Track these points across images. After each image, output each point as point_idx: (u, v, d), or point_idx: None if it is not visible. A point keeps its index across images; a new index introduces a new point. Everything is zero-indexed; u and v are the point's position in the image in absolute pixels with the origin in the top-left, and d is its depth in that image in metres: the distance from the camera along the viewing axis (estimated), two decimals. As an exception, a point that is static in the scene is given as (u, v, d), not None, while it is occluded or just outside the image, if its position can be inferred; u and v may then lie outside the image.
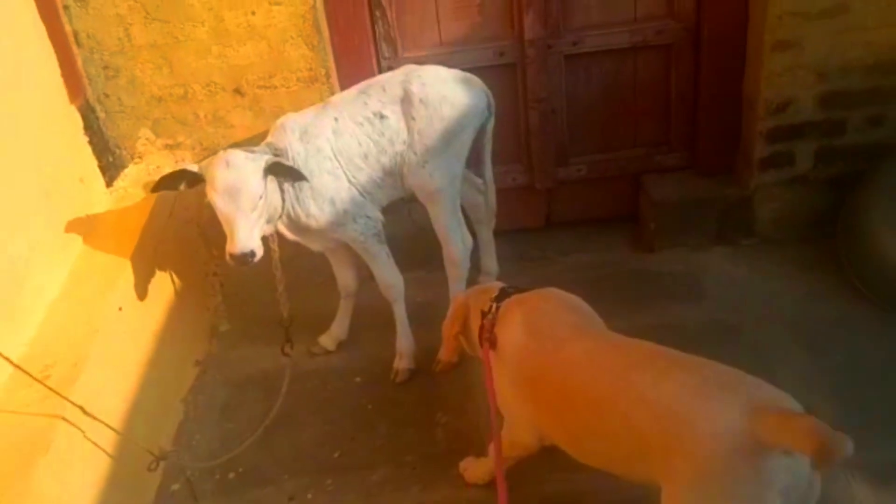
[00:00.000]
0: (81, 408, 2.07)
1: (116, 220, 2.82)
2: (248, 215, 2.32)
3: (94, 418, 2.15)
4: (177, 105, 2.97)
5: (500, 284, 2.29)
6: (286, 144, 2.47)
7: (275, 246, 2.63)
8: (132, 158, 3.04)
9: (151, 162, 3.04)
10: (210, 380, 2.97)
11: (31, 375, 2.05)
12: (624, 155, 3.39)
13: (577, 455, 2.01)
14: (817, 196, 3.23)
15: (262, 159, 2.35)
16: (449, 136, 2.64)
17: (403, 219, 3.23)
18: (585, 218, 3.56)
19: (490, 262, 3.16)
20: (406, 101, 2.60)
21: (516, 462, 2.20)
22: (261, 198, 2.33)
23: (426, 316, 3.03)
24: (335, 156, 2.53)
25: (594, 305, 3.06)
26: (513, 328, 2.07)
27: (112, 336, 2.40)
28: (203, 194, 3.06)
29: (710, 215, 3.31)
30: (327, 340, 2.99)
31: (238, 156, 2.33)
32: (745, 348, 2.81)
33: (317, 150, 2.50)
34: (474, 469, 2.43)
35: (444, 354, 2.44)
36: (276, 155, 2.42)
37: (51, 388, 2.04)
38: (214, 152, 3.00)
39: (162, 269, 2.85)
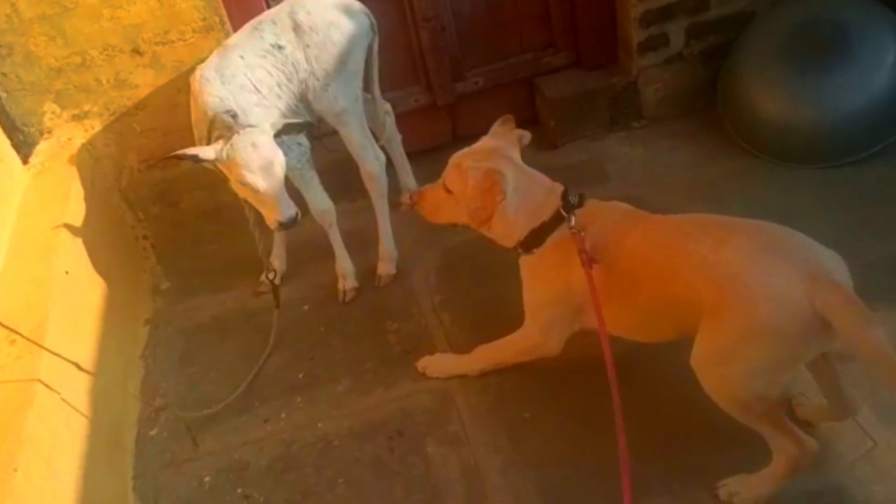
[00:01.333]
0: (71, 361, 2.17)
1: (41, 194, 2.85)
2: (283, 183, 2.48)
3: (77, 367, 2.27)
4: (77, 74, 2.98)
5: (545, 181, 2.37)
6: (220, 96, 2.52)
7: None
8: (41, 134, 3.04)
9: (62, 135, 3.06)
10: (163, 334, 3.05)
11: (17, 332, 2.12)
12: (514, 61, 3.58)
13: (620, 329, 2.20)
14: (695, 71, 3.51)
15: (269, 128, 2.46)
16: (343, 59, 2.79)
17: (319, 154, 3.34)
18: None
19: (408, 179, 3.32)
20: (297, 30, 2.72)
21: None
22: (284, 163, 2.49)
23: (357, 241, 3.19)
24: (257, 88, 2.63)
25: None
26: (595, 244, 2.14)
27: (65, 298, 2.47)
28: (116, 160, 3.15)
29: (602, 105, 3.56)
30: (272, 276, 3.10)
31: (255, 134, 2.42)
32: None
33: (240, 88, 2.58)
34: (435, 365, 2.64)
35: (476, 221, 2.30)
36: (228, 112, 2.48)
37: (37, 344, 2.12)
38: (120, 117, 3.09)
39: (94, 236, 2.89)
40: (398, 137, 3.26)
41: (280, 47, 2.70)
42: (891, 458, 2.12)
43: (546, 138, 3.65)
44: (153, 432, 2.66)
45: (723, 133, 3.41)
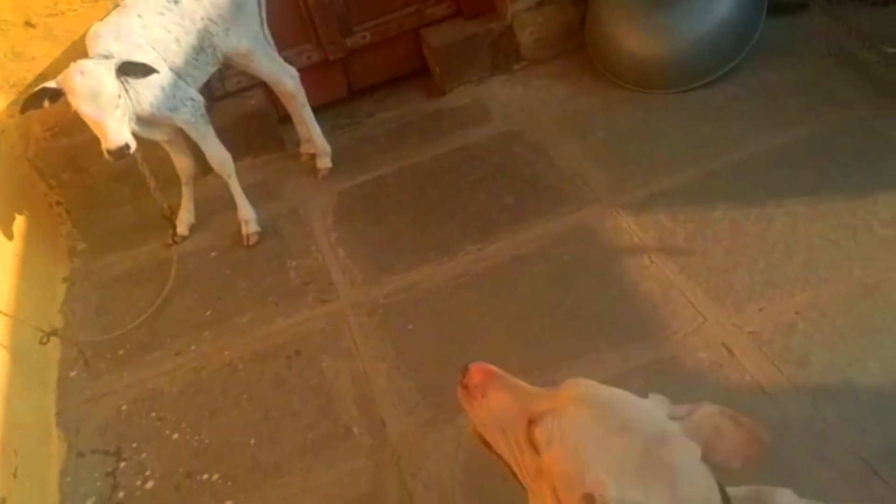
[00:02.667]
0: None
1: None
2: (113, 114, 2.62)
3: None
4: (-26, 50, 3.16)
5: None
6: (108, 49, 2.71)
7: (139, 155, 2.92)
8: (-55, 111, 3.22)
9: (-33, 109, 3.24)
10: (80, 290, 3.26)
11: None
12: (399, 14, 3.81)
13: None
14: (565, 13, 3.78)
15: (112, 62, 2.62)
16: (238, 4, 3.01)
17: (221, 113, 3.55)
18: (382, 80, 3.99)
19: (319, 140, 3.50)
20: None
21: None
22: (119, 97, 2.63)
23: (260, 192, 3.46)
24: (153, 48, 2.82)
25: (402, 151, 3.59)
26: None
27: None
28: (22, 130, 3.33)
29: (484, 50, 3.81)
30: (180, 227, 3.32)
31: (89, 64, 2.60)
32: (527, 145, 3.38)
33: (137, 47, 2.77)
34: None
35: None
36: (105, 56, 2.67)
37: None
38: (23, 89, 3.27)
39: (6, 203, 3.09)
40: (301, 94, 3.40)
41: (176, 2, 2.89)
42: (716, 329, 2.44)
43: (434, 86, 3.90)
44: (73, 373, 2.88)
45: (592, 69, 3.69)
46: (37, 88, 2.65)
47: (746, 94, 3.33)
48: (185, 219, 3.33)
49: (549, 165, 3.26)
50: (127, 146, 2.66)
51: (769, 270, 2.59)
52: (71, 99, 2.61)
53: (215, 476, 2.43)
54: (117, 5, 2.92)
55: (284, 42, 3.57)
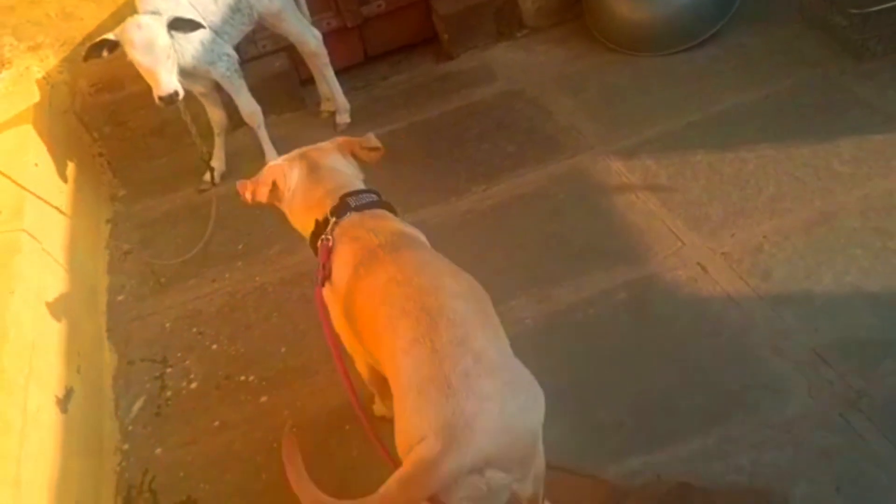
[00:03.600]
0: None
1: (8, 112, 3.36)
2: (165, 63, 2.95)
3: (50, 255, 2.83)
4: (28, 10, 3.48)
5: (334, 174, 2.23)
6: (156, 6, 3.00)
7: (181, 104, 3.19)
8: (3, 65, 3.55)
9: (20, 64, 3.56)
10: (122, 229, 3.60)
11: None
12: (411, -15, 4.16)
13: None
14: (564, -17, 4.12)
15: (163, 18, 2.94)
16: None
17: (251, 73, 3.88)
18: (395, 47, 4.32)
19: (339, 97, 3.83)
20: None
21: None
22: (171, 48, 2.95)
23: (283, 145, 3.71)
24: (193, 6, 3.14)
25: (412, 109, 3.91)
26: (344, 264, 1.95)
27: (36, 186, 3.01)
28: (70, 85, 3.66)
29: (489, 18, 4.15)
30: (209, 175, 3.65)
31: (145, 18, 2.92)
32: (527, 102, 3.71)
33: (177, 4, 3.08)
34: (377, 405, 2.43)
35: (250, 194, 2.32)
36: (154, 13, 2.97)
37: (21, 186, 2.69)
38: (73, 47, 3.60)
39: (56, 149, 3.42)
40: (325, 57, 3.73)
41: None
42: (692, 252, 2.78)
43: (443, 52, 4.24)
44: (120, 298, 3.23)
45: (589, 36, 4.02)
46: (97, 39, 2.97)
47: (726, 55, 3.67)
48: (216, 167, 3.66)
49: (547, 119, 3.60)
50: (176, 93, 2.98)
51: (741, 203, 2.92)
52: (128, 50, 2.93)
53: (251, 377, 2.78)
54: None
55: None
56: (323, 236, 2.03)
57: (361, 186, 2.23)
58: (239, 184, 2.33)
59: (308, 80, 4.03)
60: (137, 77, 3.11)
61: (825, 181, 2.91)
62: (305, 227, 2.20)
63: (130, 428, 2.71)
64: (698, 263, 2.73)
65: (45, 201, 3.05)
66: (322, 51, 3.65)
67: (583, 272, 2.81)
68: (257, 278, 3.16)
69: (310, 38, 3.59)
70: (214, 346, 2.92)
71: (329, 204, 2.09)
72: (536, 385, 1.68)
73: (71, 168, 3.49)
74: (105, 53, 2.99)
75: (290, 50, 3.99)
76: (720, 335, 2.49)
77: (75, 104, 3.74)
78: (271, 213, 3.44)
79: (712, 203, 2.95)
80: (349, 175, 2.26)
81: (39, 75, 3.60)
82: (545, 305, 2.73)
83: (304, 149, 2.35)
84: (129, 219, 3.66)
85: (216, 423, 2.65)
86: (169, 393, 2.80)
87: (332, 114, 3.88)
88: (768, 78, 3.46)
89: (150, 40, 2.90)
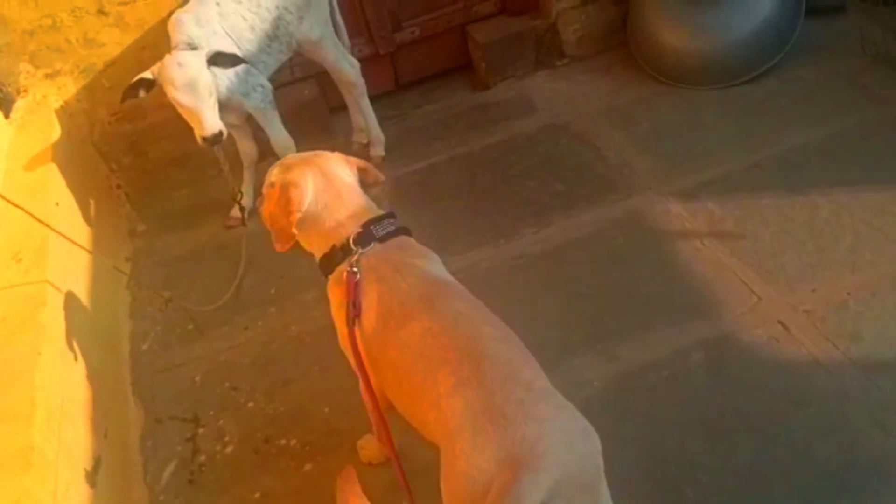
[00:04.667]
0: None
1: (24, 145, 3.14)
2: (208, 102, 2.76)
3: (74, 294, 2.60)
4: (48, 35, 3.27)
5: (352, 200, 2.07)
6: (189, 34, 2.83)
7: None
8: (19, 93, 3.34)
9: (37, 92, 3.35)
10: (144, 268, 3.38)
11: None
12: (447, 11, 3.95)
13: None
14: (607, 11, 3.93)
15: (203, 53, 2.74)
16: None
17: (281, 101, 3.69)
18: (429, 74, 4.13)
19: (374, 129, 3.63)
20: None
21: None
22: (213, 85, 2.77)
23: (314, 178, 3.55)
24: (228, 34, 2.95)
25: (450, 140, 3.71)
26: (370, 307, 1.88)
27: (58, 226, 2.79)
28: (89, 114, 3.45)
29: (528, 46, 3.96)
30: (238, 211, 3.44)
31: (185, 55, 2.73)
32: (573, 137, 3.52)
33: (213, 33, 2.89)
34: (368, 448, 2.40)
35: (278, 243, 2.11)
36: (189, 45, 2.80)
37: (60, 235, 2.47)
38: (93, 75, 3.40)
39: (74, 183, 3.21)
40: (363, 87, 3.53)
41: None
42: (770, 308, 2.57)
43: (479, 80, 4.04)
44: (145, 346, 3.01)
45: (634, 65, 3.83)
46: (134, 79, 2.77)
47: (786, 89, 3.48)
48: (244, 203, 3.45)
49: (595, 155, 3.40)
50: (221, 133, 2.79)
51: (818, 254, 2.72)
52: (168, 89, 2.73)
53: (293, 441, 2.55)
54: None
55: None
56: (350, 269, 1.93)
57: (374, 207, 2.11)
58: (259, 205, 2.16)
59: (336, 109, 3.83)
60: (159, 106, 2.92)
61: (907, 231, 2.72)
62: (317, 247, 2.08)
63: (161, 498, 2.48)
64: (779, 322, 2.53)
65: (69, 240, 2.83)
66: (360, 81, 3.45)
67: (651, 328, 2.61)
68: (293, 327, 2.94)
69: (347, 68, 3.39)
70: (250, 405, 2.70)
71: (351, 229, 1.99)
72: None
73: (89, 203, 3.27)
74: (142, 93, 2.81)
75: (319, 77, 3.79)
76: (811, 405, 2.28)
77: (94, 134, 3.53)
78: (305, 255, 3.26)
79: (786, 253, 2.75)
80: (362, 194, 2.13)
81: (57, 104, 3.38)
82: (613, 366, 2.52)
83: (305, 154, 2.17)
84: (151, 256, 3.44)
85: (256, 495, 2.42)
86: (203, 457, 2.57)
87: (365, 146, 3.68)
88: (833, 115, 3.27)
89: (192, 79, 2.71)
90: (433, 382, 1.66)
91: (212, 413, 2.70)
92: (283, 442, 2.56)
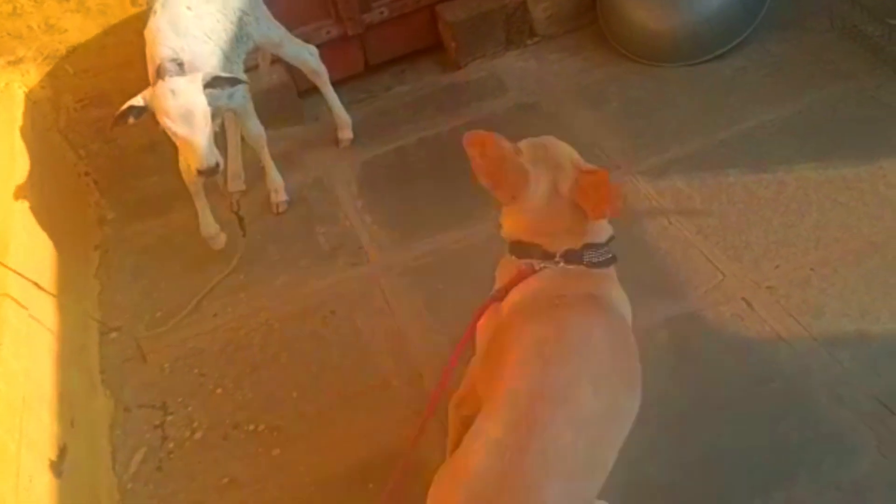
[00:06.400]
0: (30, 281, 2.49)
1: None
2: (204, 132, 2.55)
3: (39, 287, 2.59)
4: (9, 22, 3.21)
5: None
6: (173, 47, 2.64)
7: None
8: (-18, 81, 3.30)
9: (0, 80, 3.31)
10: (113, 256, 3.35)
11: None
12: (415, -10, 3.93)
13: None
14: (577, -11, 3.91)
15: (199, 78, 2.55)
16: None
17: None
18: (399, 55, 4.08)
19: (340, 112, 3.59)
20: None
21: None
22: (209, 113, 2.57)
23: (283, 163, 3.49)
24: (209, 37, 2.80)
25: (420, 122, 3.69)
26: (520, 291, 1.86)
27: (24, 214, 2.77)
28: (53, 101, 3.41)
29: (498, 26, 3.92)
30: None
31: (180, 82, 2.52)
32: (544, 117, 3.50)
33: (195, 39, 2.73)
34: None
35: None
36: (176, 61, 2.60)
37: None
38: (56, 61, 3.35)
39: (40, 172, 3.17)
40: (325, 75, 3.49)
41: None
42: (735, 285, 2.59)
43: (450, 61, 4.01)
44: (114, 335, 2.99)
45: (604, 44, 3.82)
46: (123, 107, 2.59)
47: (754, 66, 3.47)
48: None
49: (566, 135, 3.28)
50: (218, 164, 2.63)
51: (783, 230, 2.73)
52: (161, 119, 2.55)
53: (261, 426, 2.56)
54: None
55: (305, 18, 3.69)
56: (536, 265, 1.85)
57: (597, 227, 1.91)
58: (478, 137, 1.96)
59: (305, 93, 3.81)
60: (126, 91, 2.86)
61: (871, 207, 2.73)
62: (514, 228, 1.96)
63: (130, 486, 2.48)
64: (743, 298, 2.55)
65: (36, 229, 2.82)
66: (322, 68, 3.43)
67: (617, 307, 2.61)
68: (262, 313, 2.93)
69: (309, 58, 3.36)
70: (219, 391, 2.70)
71: (566, 242, 1.84)
72: None
73: (56, 191, 3.24)
74: (131, 120, 2.63)
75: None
76: (773, 381, 2.30)
77: (59, 121, 3.48)
78: (275, 240, 3.26)
79: (752, 230, 2.76)
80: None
81: (21, 92, 3.34)
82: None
83: (549, 153, 1.97)
84: (121, 244, 3.41)
85: (225, 480, 2.43)
86: (171, 444, 2.57)
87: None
88: (801, 91, 3.27)
89: (188, 109, 2.51)
90: (499, 403, 1.59)
91: (180, 400, 2.70)
92: (252, 427, 2.56)
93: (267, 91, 3.72)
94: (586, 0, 3.92)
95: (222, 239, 3.19)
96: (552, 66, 3.83)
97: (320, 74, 3.44)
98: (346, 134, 3.62)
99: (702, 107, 3.34)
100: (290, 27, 3.39)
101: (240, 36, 3.01)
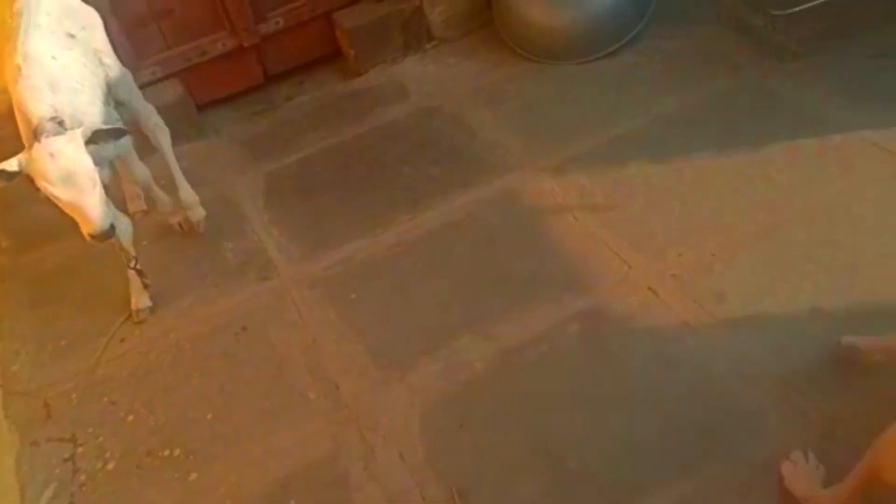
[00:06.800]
0: None
1: None
2: (92, 193, 2.31)
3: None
4: None
5: None
6: (52, 104, 2.37)
7: None
8: None
9: None
10: (11, 285, 3.20)
11: None
12: (310, -2, 3.90)
13: None
14: (471, -8, 3.95)
15: (79, 135, 2.30)
16: (103, 33, 2.85)
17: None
18: (298, 64, 4.04)
19: (185, 191, 3.18)
20: (70, 12, 2.69)
21: None
22: (95, 171, 2.33)
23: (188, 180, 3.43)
24: (83, 84, 2.58)
25: (323, 131, 3.67)
26: None
27: None
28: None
29: (395, 30, 3.93)
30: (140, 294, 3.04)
31: (57, 142, 2.26)
32: (446, 120, 3.53)
33: (71, 91, 2.49)
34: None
35: None
36: (56, 120, 2.33)
37: None
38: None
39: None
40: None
41: (72, 36, 2.64)
42: (641, 275, 2.65)
43: (350, 68, 3.99)
44: (15, 368, 2.85)
45: (501, 44, 3.87)
46: None
47: (646, 60, 3.58)
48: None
49: (469, 136, 3.42)
50: (112, 227, 2.40)
51: (683, 219, 2.82)
52: (41, 185, 2.30)
53: (176, 451, 2.49)
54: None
55: (199, 30, 3.64)
56: None
57: None
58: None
59: (204, 106, 3.74)
60: (11, 115, 2.72)
61: (764, 192, 2.84)
62: None
63: (41, 524, 2.40)
64: (649, 288, 2.61)
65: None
66: (161, 122, 3.12)
67: (529, 304, 2.65)
68: (171, 335, 2.86)
69: (156, 117, 3.09)
70: (130, 418, 2.62)
71: None
72: None
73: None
74: (2, 183, 2.37)
75: (183, 74, 3.69)
76: (682, 367, 2.37)
77: (-58, 147, 3.32)
78: (181, 260, 3.18)
79: (654, 220, 2.84)
80: None
81: None
82: (493, 344, 2.55)
83: None
84: (18, 274, 3.27)
85: (141, 510, 2.37)
86: (83, 477, 2.47)
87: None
88: (692, 83, 3.39)
89: (70, 170, 2.26)
90: None
91: (91, 430, 2.60)
92: (167, 453, 2.49)
93: (165, 107, 3.63)
94: (481, 1, 3.96)
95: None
96: (452, 69, 3.86)
97: (164, 130, 3.13)
98: (199, 213, 3.22)
99: (599, 103, 3.42)
100: (185, 40, 3.32)
101: (101, 81, 2.75)
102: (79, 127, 2.34)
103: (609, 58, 3.63)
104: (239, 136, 3.74)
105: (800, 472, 2.01)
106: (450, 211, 3.07)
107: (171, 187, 3.15)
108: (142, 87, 3.57)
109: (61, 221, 3.35)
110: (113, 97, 2.83)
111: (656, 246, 2.75)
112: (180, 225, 3.25)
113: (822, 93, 3.19)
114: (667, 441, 2.20)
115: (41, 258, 3.31)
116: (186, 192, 3.18)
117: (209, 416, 2.57)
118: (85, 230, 2.37)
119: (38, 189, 2.33)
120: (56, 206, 2.39)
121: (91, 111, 2.53)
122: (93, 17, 2.82)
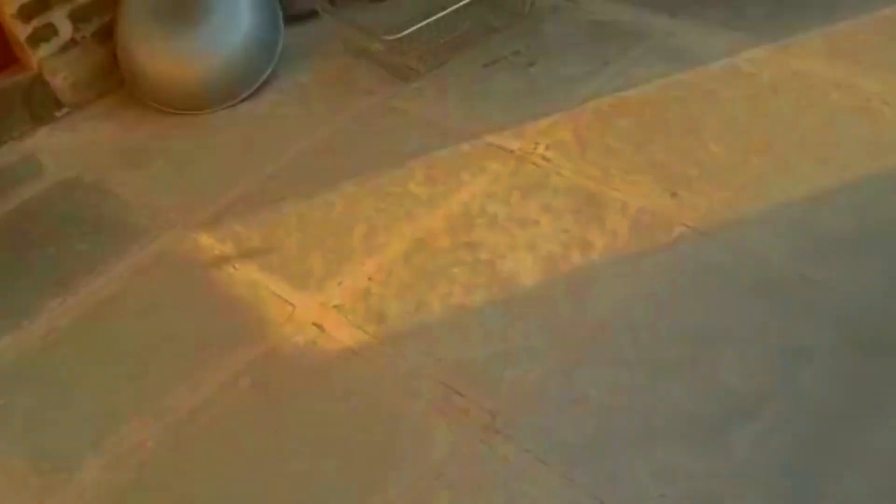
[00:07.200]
0: None
1: None
2: None
3: None
4: None
5: None
6: None
7: None
8: None
9: None
10: None
11: None
12: None
13: None
14: (94, 53, 3.72)
15: None
16: None
17: None
18: None
19: None
20: None
21: None
22: None
23: None
24: None
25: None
26: None
27: None
28: None
29: (17, 103, 3.62)
30: None
31: None
32: (87, 189, 3.34)
33: None
34: None
35: None
36: None
37: None
38: None
39: None
40: None
41: None
42: (304, 312, 2.66)
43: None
44: None
45: (137, 101, 3.71)
46: None
47: (286, 98, 3.61)
48: None
49: (115, 203, 3.25)
50: None
51: (338, 248, 2.87)
52: None
53: None
54: None
55: None
56: None
57: None
58: None
59: None
60: None
61: (408, 207, 2.97)
62: None
63: None
64: (314, 323, 2.62)
65: None
66: None
67: (198, 367, 2.55)
68: None
69: None
70: None
71: None
72: None
73: None
74: None
75: None
76: (352, 396, 2.40)
77: None
78: None
79: (311, 255, 2.86)
80: None
81: None
82: (163, 419, 2.43)
83: None
84: None
85: None
86: None
87: None
88: (330, 113, 3.46)
89: None
90: None
91: None
92: None
93: None
94: (108, 61, 3.77)
95: None
96: (89, 135, 3.64)
97: None
98: None
99: (246, 146, 3.40)
100: None
101: None
102: None
103: (251, 99, 3.62)
104: None
105: None
106: (104, 285, 2.89)
107: None
108: None
109: None
110: None
111: (316, 280, 2.77)
112: None
113: (446, 105, 3.41)
114: (347, 472, 2.21)
115: None
116: None
117: None
118: None
119: None
120: None
121: None
122: None
